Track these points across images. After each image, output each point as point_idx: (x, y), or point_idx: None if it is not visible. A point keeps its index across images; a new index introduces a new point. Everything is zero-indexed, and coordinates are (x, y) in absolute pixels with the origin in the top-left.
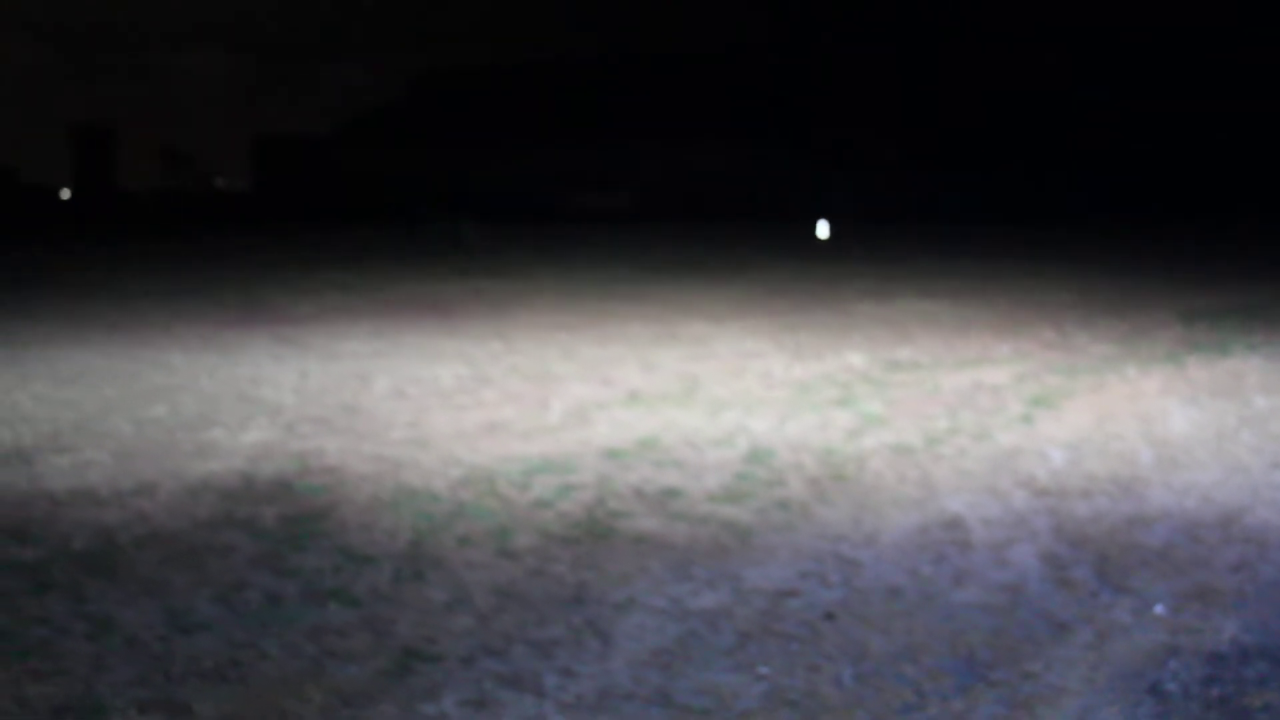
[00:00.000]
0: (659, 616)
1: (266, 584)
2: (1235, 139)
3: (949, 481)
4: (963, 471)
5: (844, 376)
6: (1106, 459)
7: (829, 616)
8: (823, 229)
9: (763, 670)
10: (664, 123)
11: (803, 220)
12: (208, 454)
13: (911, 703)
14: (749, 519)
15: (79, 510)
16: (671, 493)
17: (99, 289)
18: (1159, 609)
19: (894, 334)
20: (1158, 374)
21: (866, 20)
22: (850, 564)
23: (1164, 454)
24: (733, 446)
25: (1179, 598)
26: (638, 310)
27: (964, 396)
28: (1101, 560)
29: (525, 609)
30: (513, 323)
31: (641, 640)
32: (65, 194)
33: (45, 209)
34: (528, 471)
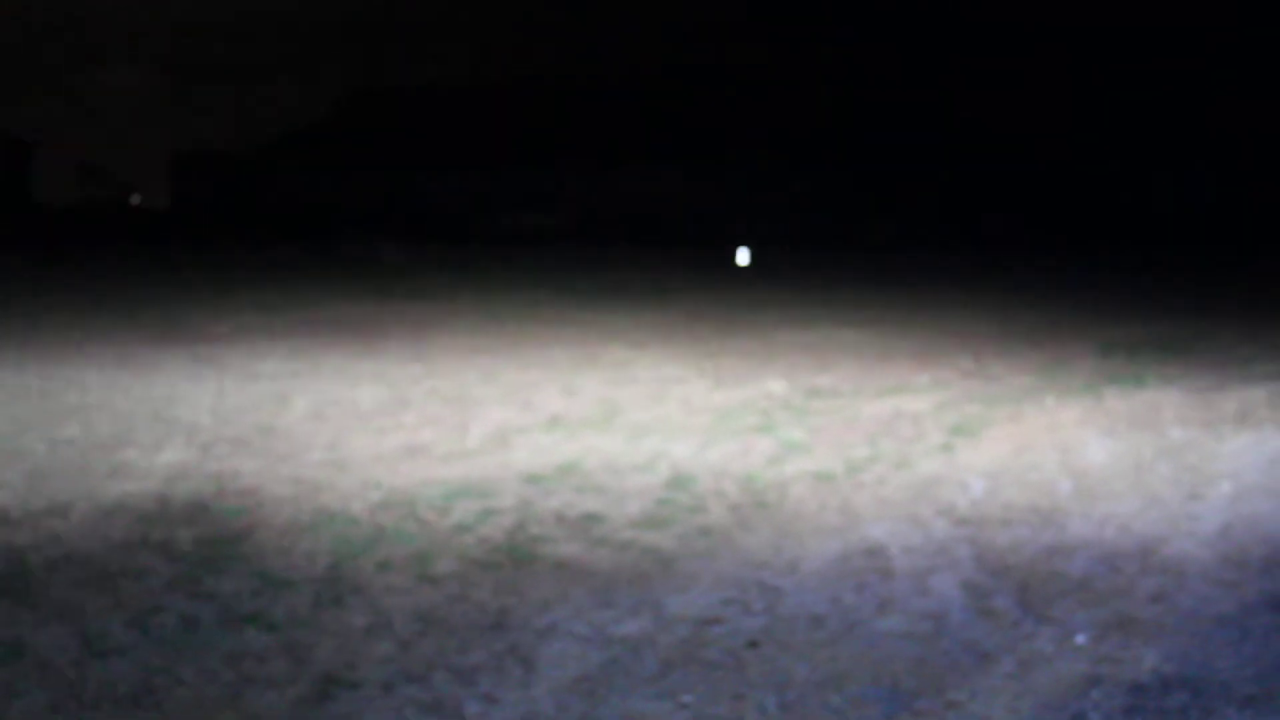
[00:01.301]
0: (581, 643)
1: (182, 608)
2: (1152, 171)
3: (870, 509)
4: (883, 499)
5: (765, 403)
6: (1026, 489)
7: (752, 644)
8: (743, 256)
9: (686, 699)
10: (589, 146)
11: (724, 246)
12: (122, 475)
13: None
14: (671, 545)
15: None
16: (593, 518)
17: (11, 304)
18: (1080, 639)
19: (814, 361)
20: (1076, 405)
21: (792, 50)
22: (773, 591)
23: (1082, 484)
24: (654, 472)
25: (1100, 628)
26: (559, 334)
27: (884, 425)
28: (1022, 589)
29: (446, 635)
30: (433, 345)
31: (564, 667)
32: None
33: None
34: (448, 495)
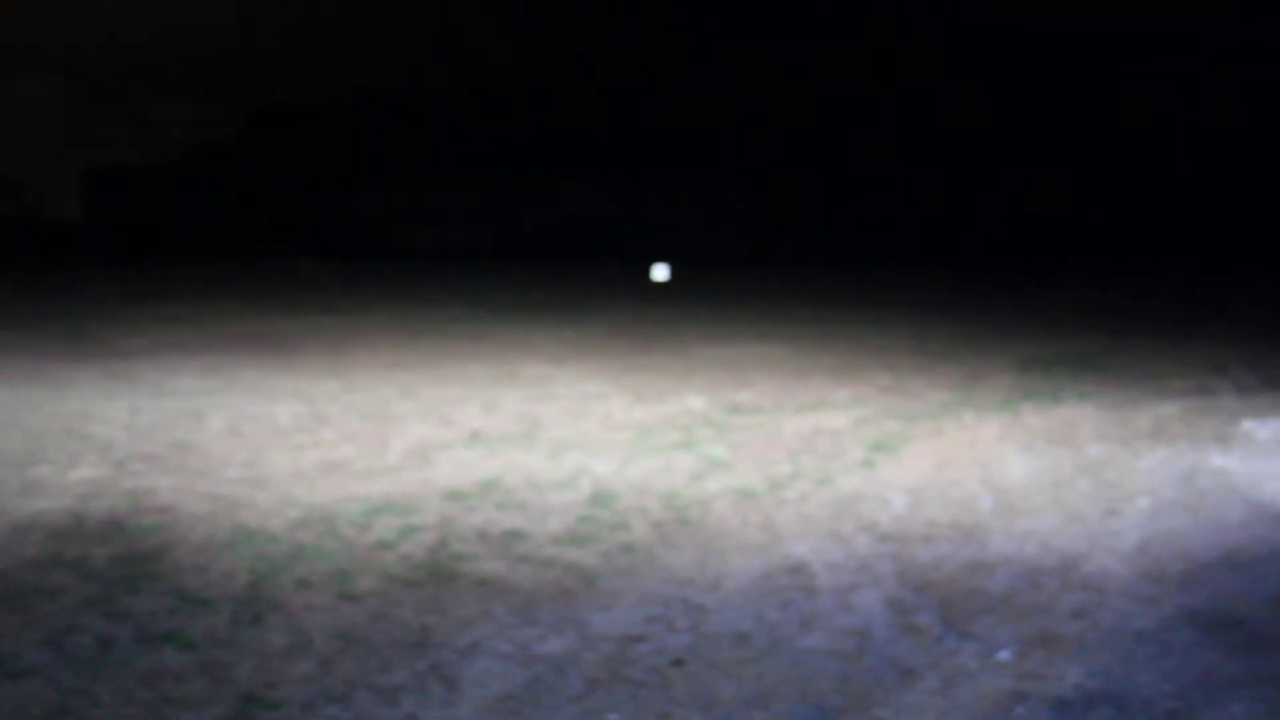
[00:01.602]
0: (505, 662)
1: (98, 627)
2: (1064, 188)
3: (792, 526)
4: (806, 516)
5: (685, 419)
6: (947, 505)
7: (677, 663)
8: (660, 271)
9: (612, 717)
10: (504, 161)
11: (641, 262)
12: (35, 491)
13: None
14: (594, 562)
15: None
16: (515, 535)
17: None
18: (1003, 655)
19: (733, 377)
20: (994, 421)
21: (706, 62)
22: (697, 609)
23: (1003, 501)
24: (576, 489)
25: (1023, 644)
26: (477, 350)
27: (805, 441)
28: (945, 606)
29: (368, 654)
30: (350, 361)
31: (488, 686)
32: None
33: None
34: (368, 512)
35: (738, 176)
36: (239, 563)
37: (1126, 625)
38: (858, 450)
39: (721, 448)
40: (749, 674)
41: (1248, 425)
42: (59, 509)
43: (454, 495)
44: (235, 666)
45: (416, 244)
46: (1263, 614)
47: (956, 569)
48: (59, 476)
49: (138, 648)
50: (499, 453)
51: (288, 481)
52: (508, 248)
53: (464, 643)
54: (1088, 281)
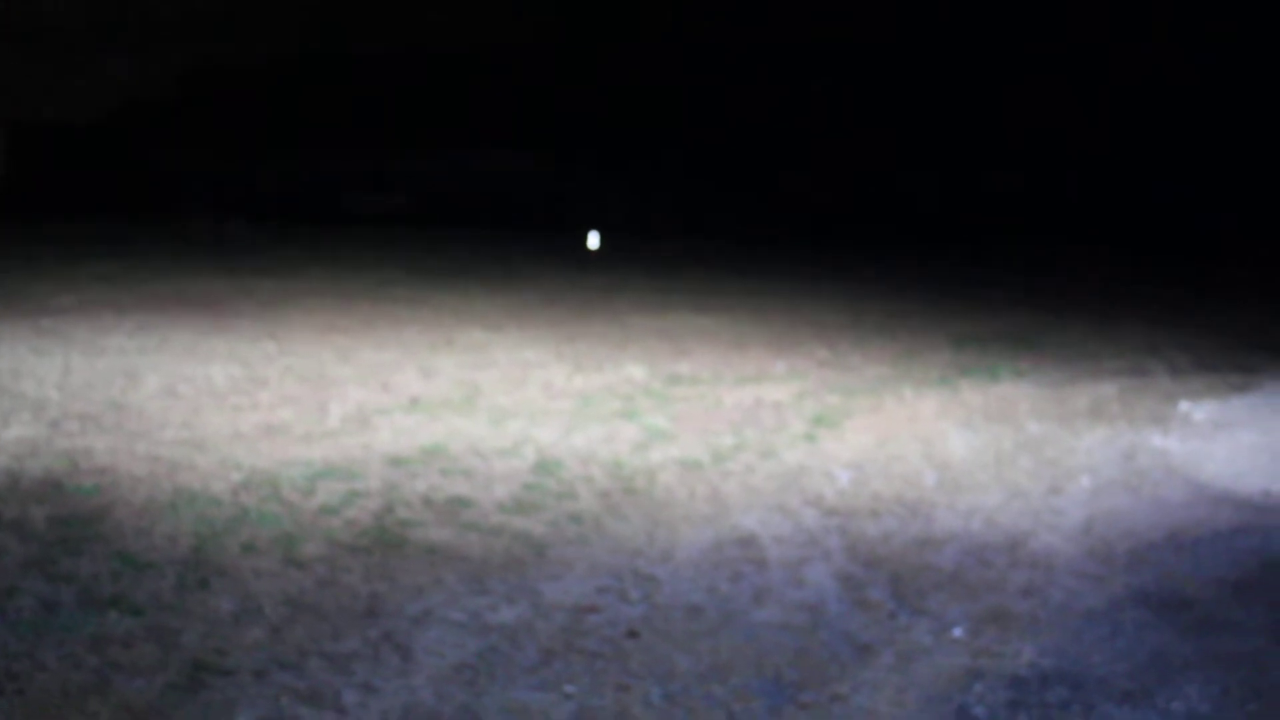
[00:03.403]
0: (458, 631)
1: (40, 590)
2: (1004, 165)
3: (739, 498)
4: (752, 488)
5: (625, 389)
6: (891, 480)
7: (632, 634)
8: (593, 239)
9: (569, 689)
10: (440, 125)
11: (575, 230)
12: None
13: None
14: (542, 531)
15: None
16: (461, 502)
17: None
18: (957, 632)
19: (672, 347)
20: (933, 397)
21: (648, 26)
22: (648, 580)
23: (946, 476)
24: (520, 457)
25: (975, 620)
26: (413, 315)
27: (747, 413)
28: (895, 581)
29: (318, 620)
30: (285, 323)
31: (442, 655)
32: None
33: None
34: (311, 476)
35: (674, 145)
36: (182, 526)
37: (1076, 604)
38: (799, 423)
39: (663, 418)
40: (704, 647)
41: (1184, 406)
42: None
43: (396, 461)
44: (183, 632)
45: (349, 208)
46: (1210, 595)
47: (905, 544)
48: None
49: (82, 611)
50: (439, 419)
51: (227, 444)
52: (441, 213)
53: (415, 611)
54: (1020, 261)
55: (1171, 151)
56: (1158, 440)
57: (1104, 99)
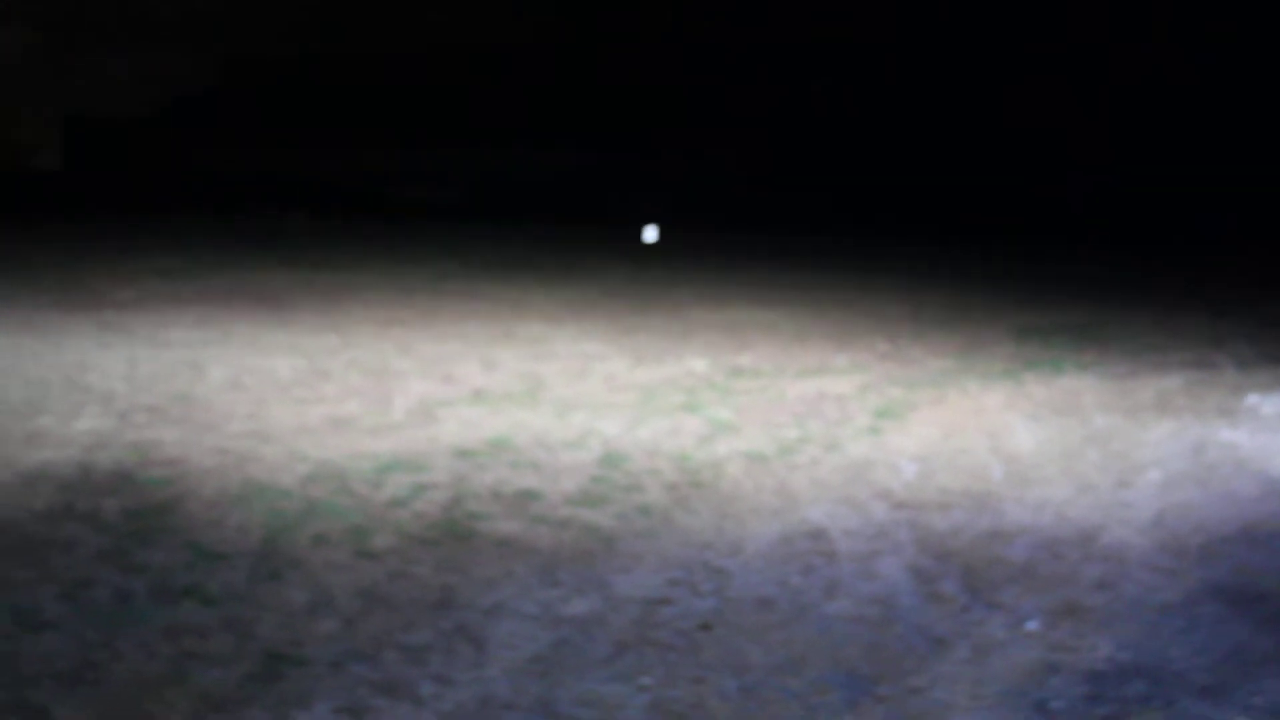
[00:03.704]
0: (530, 623)
1: (114, 581)
2: (1064, 159)
3: (806, 491)
4: (818, 481)
5: (688, 381)
6: (958, 473)
7: (705, 627)
8: (650, 233)
9: (644, 680)
10: (492, 119)
11: (630, 223)
12: (39, 442)
13: (801, 717)
14: (611, 524)
15: None
16: (529, 495)
17: None
18: (1032, 625)
19: (732, 340)
20: (998, 390)
21: (697, 18)
22: (719, 573)
23: (1013, 470)
24: (585, 449)
25: (1049, 614)
26: (471, 308)
27: (810, 406)
28: (967, 574)
29: (391, 612)
30: (345, 316)
31: (515, 648)
32: None
33: None
34: (379, 469)
35: (729, 137)
36: (252, 518)
37: (1151, 598)
38: (863, 416)
39: (727, 411)
40: (777, 640)
41: (1252, 399)
42: (65, 460)
43: (463, 453)
44: (257, 623)
45: (403, 201)
46: None
47: (975, 538)
48: (62, 427)
49: (156, 602)
50: (503, 411)
51: (293, 436)
52: (495, 207)
53: (487, 603)
54: (1083, 252)
55: (1217, 144)
56: (1226, 433)
57: (1156, 92)
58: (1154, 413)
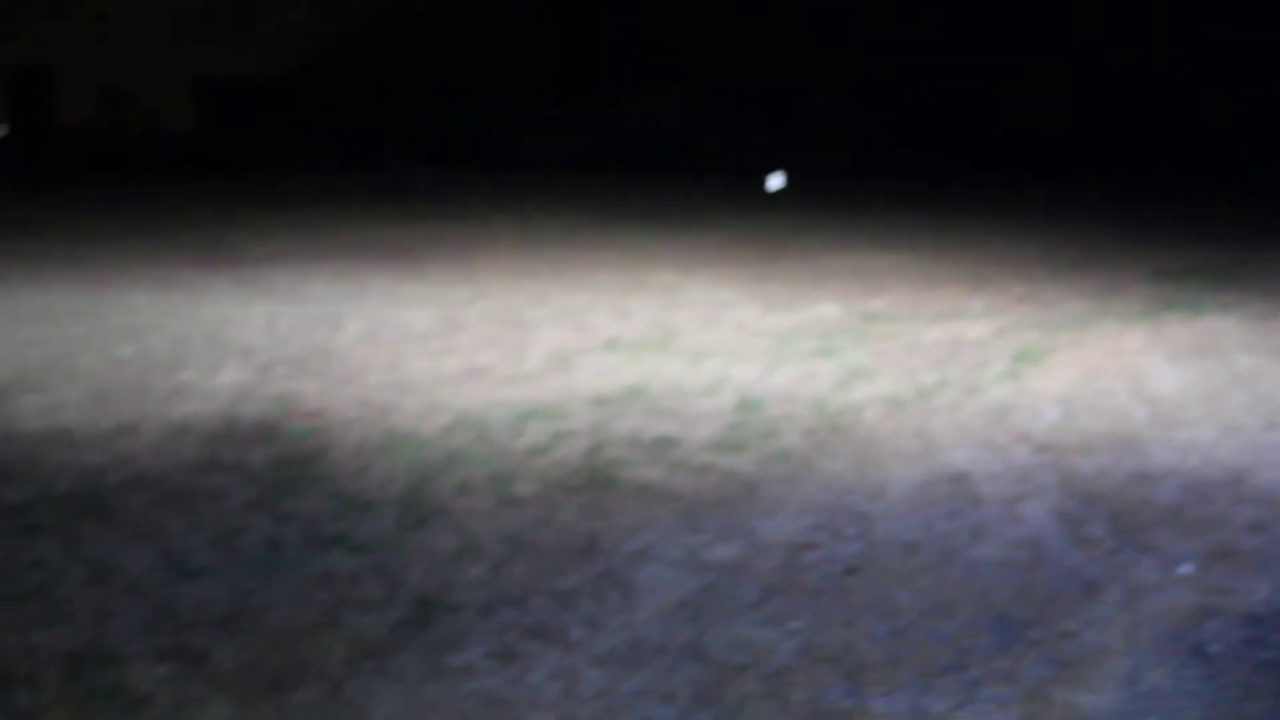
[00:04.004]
0: (676, 568)
1: (265, 529)
2: (1195, 99)
3: (947, 435)
4: (959, 425)
5: (821, 327)
6: (1100, 416)
7: (851, 571)
8: (775, 180)
9: (794, 625)
10: (616, 70)
11: (756, 172)
12: (185, 395)
13: (953, 661)
14: (751, 470)
15: (59, 451)
16: (667, 442)
17: (50, 227)
18: (1185, 569)
19: (864, 285)
20: (1137, 331)
21: None
22: (862, 517)
23: (1158, 412)
24: (721, 396)
25: (1202, 558)
26: (602, 258)
27: (947, 350)
28: (1115, 518)
29: (537, 558)
30: (477, 268)
31: (663, 592)
32: (1, 132)
33: None
34: (518, 418)
35: (852, 85)
36: (396, 467)
37: None
38: (1002, 360)
39: (863, 355)
40: (925, 583)
41: None
42: (210, 412)
43: (600, 401)
44: (407, 570)
45: (530, 154)
46: None
47: (1121, 481)
48: (206, 381)
49: (307, 550)
50: (638, 359)
51: (432, 387)
52: (621, 158)
53: (632, 548)
54: (1218, 191)
55: None
56: None
57: None
58: None
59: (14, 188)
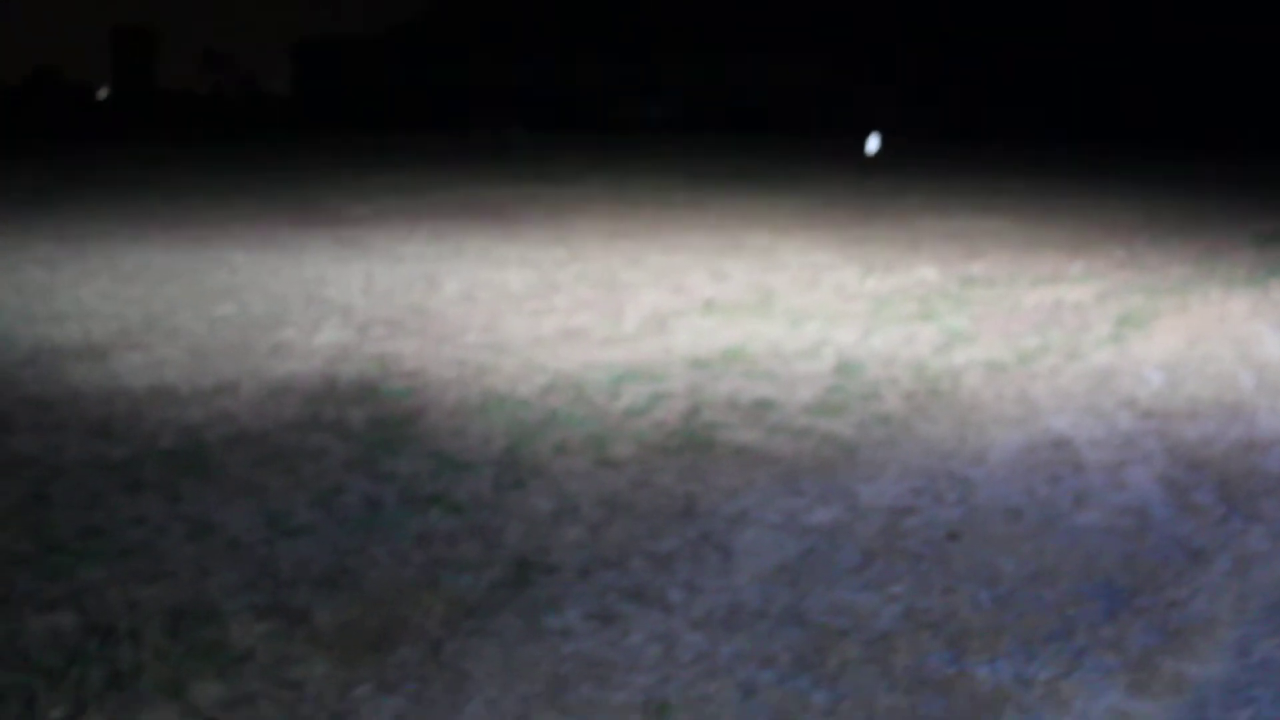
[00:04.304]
0: (775, 532)
1: (364, 488)
2: None
3: (1049, 400)
4: (1060, 390)
5: (920, 290)
6: (1206, 382)
7: (953, 536)
8: (873, 143)
9: (895, 590)
10: (709, 33)
11: (852, 134)
12: (284, 354)
13: (1058, 629)
14: (850, 433)
15: (161, 408)
16: (765, 404)
17: (150, 187)
18: None
19: (962, 249)
20: (1241, 296)
21: None
22: (963, 482)
23: (1265, 379)
24: (819, 359)
25: None
26: (698, 219)
27: (1048, 314)
28: (1223, 485)
29: (635, 520)
30: (573, 229)
31: (762, 556)
32: (102, 93)
33: (85, 108)
34: (615, 379)
35: (947, 48)
36: (494, 427)
37: None
38: (1103, 324)
39: (962, 319)
40: (1028, 550)
41: None
42: (310, 371)
43: (697, 363)
44: (505, 530)
45: (623, 115)
46: None
47: (1228, 448)
48: (305, 340)
49: (405, 509)
50: (735, 321)
51: (529, 347)
52: (714, 119)
53: (731, 511)
54: None
55: None
56: None
57: None
58: None
59: (116, 148)
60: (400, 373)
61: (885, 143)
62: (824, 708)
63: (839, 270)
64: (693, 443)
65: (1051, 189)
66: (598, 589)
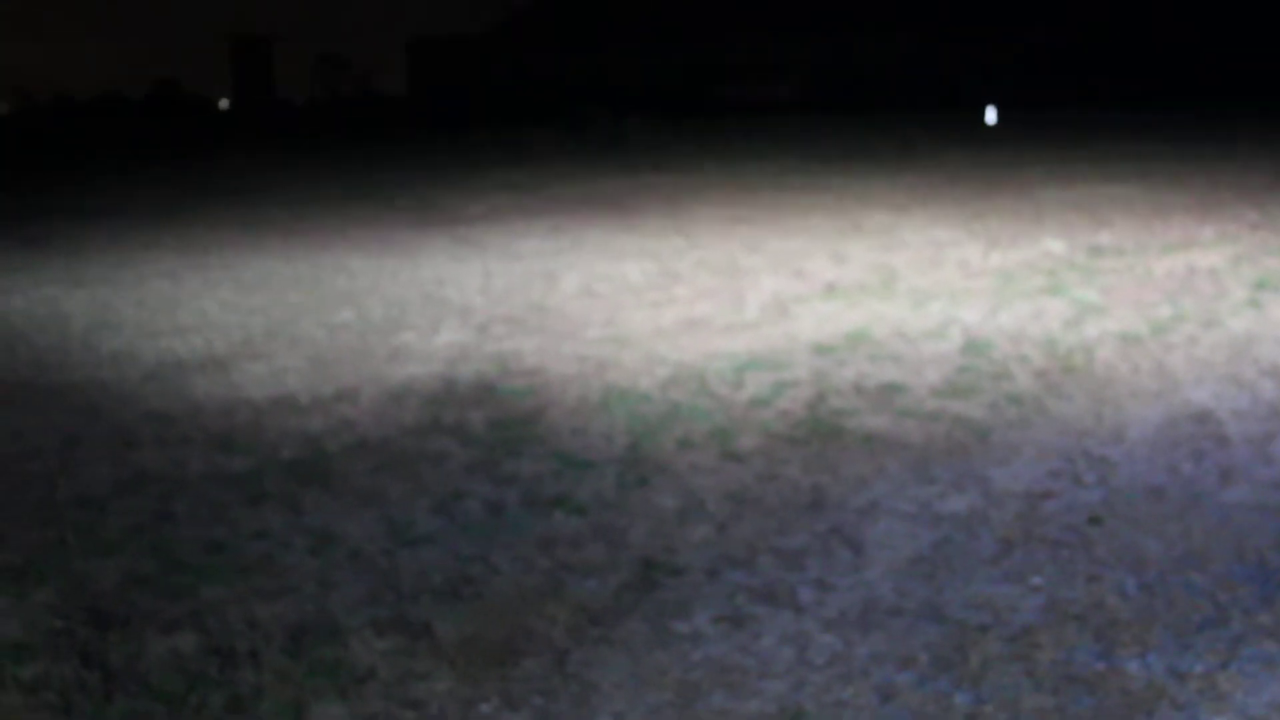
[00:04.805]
0: (908, 522)
1: (485, 493)
2: None
3: (1187, 371)
4: (1199, 360)
5: (1046, 263)
6: None
7: (1094, 520)
8: (990, 115)
9: (1036, 580)
10: (820, 12)
11: (969, 107)
12: (403, 358)
13: (1210, 616)
14: (981, 415)
15: (282, 418)
16: (893, 388)
17: (270, 195)
18: None
19: (1088, 218)
20: None
21: None
22: (1102, 462)
23: None
24: (946, 338)
25: None
26: (815, 201)
27: (1180, 281)
28: None
29: (763, 516)
30: (690, 217)
31: (895, 548)
32: (224, 104)
33: (206, 119)
34: (738, 368)
35: (1066, 21)
36: (615, 423)
37: None
38: (1240, 290)
39: (1092, 291)
40: (1174, 531)
41: None
42: (429, 374)
43: (821, 349)
44: (630, 531)
45: (736, 98)
46: None
47: None
48: (424, 342)
49: (528, 512)
50: (858, 304)
51: (650, 340)
52: (829, 99)
53: (861, 502)
54: None
55: None
56: None
57: None
58: None
59: (235, 157)
60: (520, 371)
61: (1001, 114)
62: (967, 710)
63: (961, 246)
64: (819, 432)
65: (1175, 152)
66: (726, 590)
